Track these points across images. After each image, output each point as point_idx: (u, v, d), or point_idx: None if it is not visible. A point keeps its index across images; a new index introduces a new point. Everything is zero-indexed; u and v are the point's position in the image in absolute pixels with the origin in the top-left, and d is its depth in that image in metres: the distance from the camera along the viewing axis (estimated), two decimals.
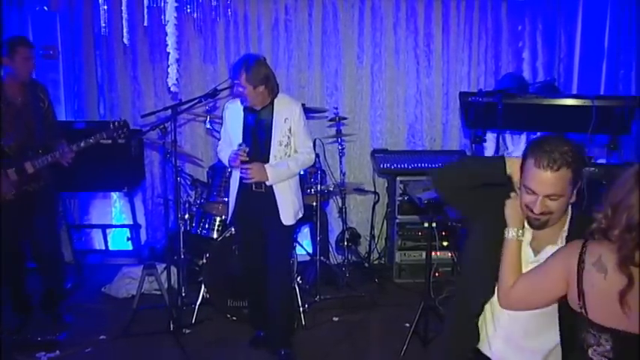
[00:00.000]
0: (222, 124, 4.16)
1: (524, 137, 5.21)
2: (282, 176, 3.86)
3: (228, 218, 4.14)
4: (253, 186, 3.90)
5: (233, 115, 3.96)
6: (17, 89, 4.20)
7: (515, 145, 5.23)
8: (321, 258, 5.14)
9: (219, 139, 4.24)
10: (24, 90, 4.24)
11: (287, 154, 3.89)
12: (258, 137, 3.87)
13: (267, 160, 3.84)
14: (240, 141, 3.85)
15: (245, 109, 3.90)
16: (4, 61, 4.12)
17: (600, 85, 5.89)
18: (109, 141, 4.52)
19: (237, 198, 4.00)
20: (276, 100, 3.87)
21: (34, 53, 4.27)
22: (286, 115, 3.84)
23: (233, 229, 4.41)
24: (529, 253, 2.17)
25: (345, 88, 6.03)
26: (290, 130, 3.86)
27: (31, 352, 4.01)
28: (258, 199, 3.91)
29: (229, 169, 4.12)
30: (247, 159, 3.80)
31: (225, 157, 3.99)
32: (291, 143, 3.90)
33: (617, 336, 1.79)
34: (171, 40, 4.68)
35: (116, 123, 4.27)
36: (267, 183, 3.84)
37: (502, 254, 2.13)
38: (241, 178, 3.89)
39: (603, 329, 1.81)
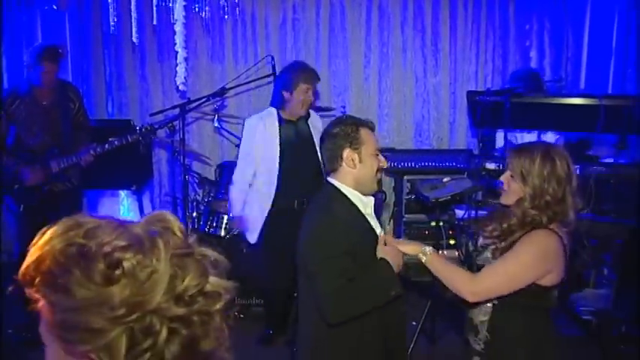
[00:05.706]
0: (239, 143, 4.12)
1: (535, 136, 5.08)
2: None
3: (251, 238, 4.14)
4: (295, 204, 3.85)
5: (263, 130, 3.89)
6: (45, 91, 4.27)
7: None
8: None
9: (226, 138, 4.23)
10: (52, 92, 4.30)
11: None
12: (301, 150, 3.89)
13: (319, 172, 3.62)
14: (277, 156, 3.84)
15: (281, 122, 3.89)
16: (31, 69, 4.17)
17: (608, 84, 5.87)
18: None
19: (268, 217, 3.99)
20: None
21: (57, 67, 4.24)
22: (316, 124, 3.97)
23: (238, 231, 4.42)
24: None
25: (352, 87, 6.04)
26: None
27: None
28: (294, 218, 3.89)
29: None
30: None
31: (239, 199, 4.01)
32: None
33: None
34: (179, 39, 4.72)
35: (143, 128, 4.25)
36: None
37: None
38: None
39: None
